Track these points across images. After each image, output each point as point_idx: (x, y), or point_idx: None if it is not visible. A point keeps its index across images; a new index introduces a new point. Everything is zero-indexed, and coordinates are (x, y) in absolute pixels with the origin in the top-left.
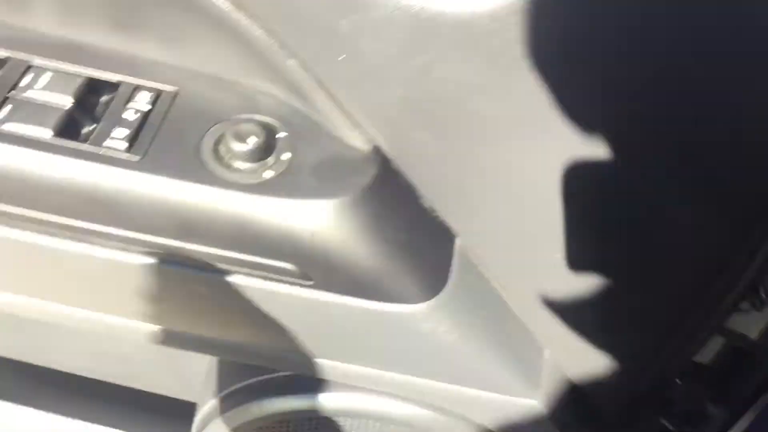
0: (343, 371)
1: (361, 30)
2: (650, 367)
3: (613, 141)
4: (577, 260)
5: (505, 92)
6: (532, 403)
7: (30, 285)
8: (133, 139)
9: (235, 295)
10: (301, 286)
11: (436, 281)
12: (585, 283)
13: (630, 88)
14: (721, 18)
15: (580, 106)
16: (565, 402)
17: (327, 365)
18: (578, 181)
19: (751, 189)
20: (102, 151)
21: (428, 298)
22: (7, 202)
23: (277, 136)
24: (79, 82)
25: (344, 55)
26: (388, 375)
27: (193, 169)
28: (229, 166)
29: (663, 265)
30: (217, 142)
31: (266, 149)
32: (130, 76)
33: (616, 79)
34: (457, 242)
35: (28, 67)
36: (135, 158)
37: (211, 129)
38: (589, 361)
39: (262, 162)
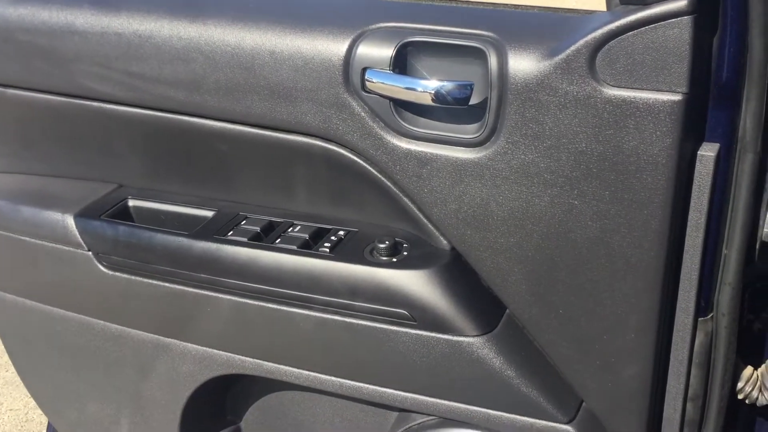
0: (448, 407)
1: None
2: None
3: None
4: None
5: None
6: (569, 429)
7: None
8: (332, 249)
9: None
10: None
11: (491, 321)
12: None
13: None
14: None
15: None
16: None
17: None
18: None
19: None
20: (318, 251)
21: (485, 333)
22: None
23: (404, 245)
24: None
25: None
26: (467, 408)
27: (360, 260)
28: (377, 258)
29: None
30: (372, 248)
31: (395, 249)
32: (334, 225)
33: None
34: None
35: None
36: (332, 255)
37: (371, 243)
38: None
39: (392, 255)
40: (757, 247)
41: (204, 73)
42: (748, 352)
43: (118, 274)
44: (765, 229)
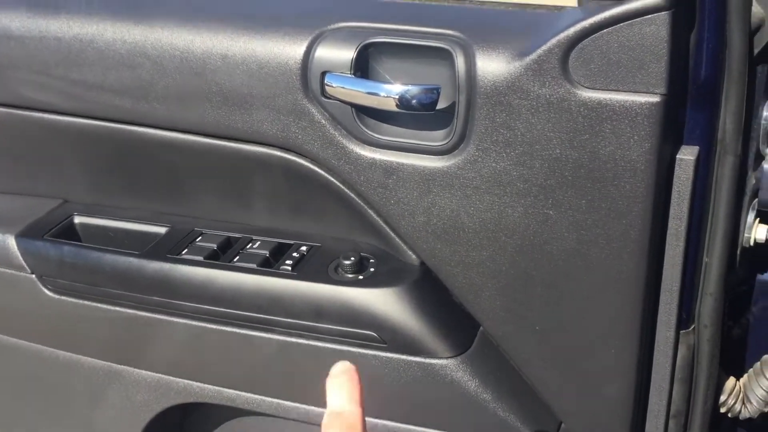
0: None
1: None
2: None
3: None
4: None
5: None
6: None
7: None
8: (294, 266)
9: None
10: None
11: (465, 341)
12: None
13: None
14: None
15: None
16: None
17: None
18: None
19: None
20: (280, 270)
21: (459, 353)
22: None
23: (370, 260)
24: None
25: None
26: None
27: (324, 278)
28: (342, 276)
29: None
30: (337, 265)
31: (361, 265)
32: (296, 240)
33: None
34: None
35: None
36: (294, 274)
37: (336, 260)
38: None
39: (358, 272)
40: (738, 253)
41: (151, 79)
42: (728, 361)
43: (64, 298)
44: (746, 234)
